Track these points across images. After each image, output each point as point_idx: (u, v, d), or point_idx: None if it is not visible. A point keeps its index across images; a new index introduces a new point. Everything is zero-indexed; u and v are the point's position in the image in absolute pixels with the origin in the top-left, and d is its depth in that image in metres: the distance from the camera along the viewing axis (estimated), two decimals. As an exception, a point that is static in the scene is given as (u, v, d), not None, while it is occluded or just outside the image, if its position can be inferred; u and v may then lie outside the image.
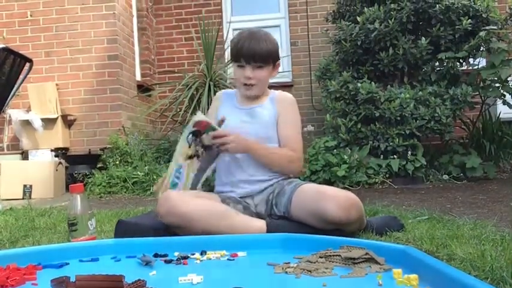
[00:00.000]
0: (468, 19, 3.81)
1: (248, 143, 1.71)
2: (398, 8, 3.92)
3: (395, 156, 3.76)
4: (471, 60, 4.12)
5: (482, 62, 4.20)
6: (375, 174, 3.70)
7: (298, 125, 1.85)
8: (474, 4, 3.88)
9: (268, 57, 1.75)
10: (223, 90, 2.03)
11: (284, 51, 5.77)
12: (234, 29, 5.61)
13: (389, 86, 3.93)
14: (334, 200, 1.51)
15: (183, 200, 1.57)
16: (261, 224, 1.59)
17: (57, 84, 4.57)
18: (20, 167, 4.07)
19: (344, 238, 1.33)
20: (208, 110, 2.12)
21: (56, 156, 4.28)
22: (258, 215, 1.71)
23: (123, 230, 1.61)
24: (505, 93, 3.87)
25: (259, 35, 1.76)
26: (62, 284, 0.99)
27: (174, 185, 1.71)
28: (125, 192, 3.83)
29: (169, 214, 1.55)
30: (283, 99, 1.85)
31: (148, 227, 1.60)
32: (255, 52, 1.72)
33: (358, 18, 4.01)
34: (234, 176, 1.77)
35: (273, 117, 1.80)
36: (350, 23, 4.13)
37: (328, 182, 3.62)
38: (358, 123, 3.90)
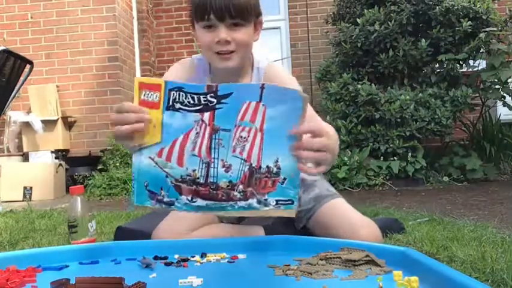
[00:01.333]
0: (468, 21, 3.82)
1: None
2: (398, 10, 3.92)
3: (395, 158, 3.76)
4: (471, 62, 4.12)
5: (482, 64, 4.20)
6: (375, 176, 3.70)
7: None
8: (474, 6, 3.88)
9: (248, 11, 1.26)
10: (190, 59, 1.44)
11: (284, 53, 5.78)
12: (234, 31, 5.62)
13: (389, 87, 3.94)
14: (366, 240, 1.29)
15: (177, 233, 1.41)
16: (260, 232, 1.57)
17: (57, 86, 4.57)
18: (20, 169, 4.07)
19: (344, 240, 1.33)
20: None
21: (56, 158, 4.28)
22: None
23: (123, 237, 1.60)
24: (505, 94, 3.88)
25: None
26: (61, 287, 0.99)
27: None
28: (125, 194, 3.83)
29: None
30: (275, 77, 1.39)
31: (148, 233, 1.59)
32: (231, 2, 1.22)
33: (358, 20, 4.02)
34: None
35: None
36: (350, 24, 4.14)
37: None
38: (358, 125, 3.90)
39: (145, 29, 5.58)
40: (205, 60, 1.40)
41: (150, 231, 1.57)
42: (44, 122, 4.31)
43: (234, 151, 0.91)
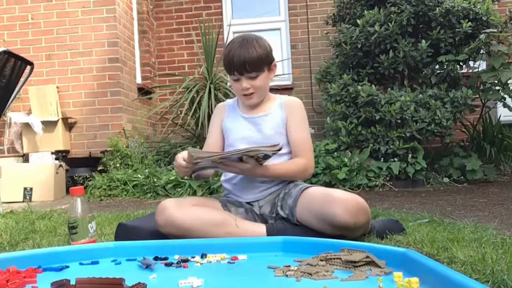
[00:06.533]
0: (468, 22, 3.82)
1: (263, 169, 1.66)
2: (399, 11, 3.92)
3: (395, 159, 3.76)
4: (471, 63, 4.12)
5: (482, 65, 4.20)
6: (375, 177, 3.70)
7: (307, 128, 1.83)
8: (474, 7, 3.88)
9: (260, 64, 1.70)
10: (224, 102, 1.98)
11: (284, 54, 5.78)
12: (235, 32, 5.63)
13: (389, 88, 3.93)
14: (343, 204, 1.48)
15: (179, 210, 1.55)
16: (261, 229, 1.59)
17: (57, 87, 4.58)
18: (21, 170, 4.08)
19: (345, 241, 1.33)
20: (210, 116, 2.03)
21: (56, 159, 4.29)
22: (262, 217, 1.71)
23: (124, 233, 1.62)
24: (505, 96, 3.87)
25: (248, 42, 1.70)
26: (62, 287, 0.99)
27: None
28: (125, 195, 3.83)
29: (167, 225, 1.54)
30: (291, 103, 1.83)
31: (149, 230, 1.60)
32: (246, 62, 1.67)
33: (358, 21, 4.02)
34: (242, 181, 1.76)
35: (282, 123, 1.78)
36: (350, 25, 4.14)
37: (329, 185, 3.62)
38: (358, 126, 3.90)
39: (146, 30, 5.58)
40: (234, 101, 1.92)
41: (150, 228, 1.59)
42: (44, 123, 4.31)
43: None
